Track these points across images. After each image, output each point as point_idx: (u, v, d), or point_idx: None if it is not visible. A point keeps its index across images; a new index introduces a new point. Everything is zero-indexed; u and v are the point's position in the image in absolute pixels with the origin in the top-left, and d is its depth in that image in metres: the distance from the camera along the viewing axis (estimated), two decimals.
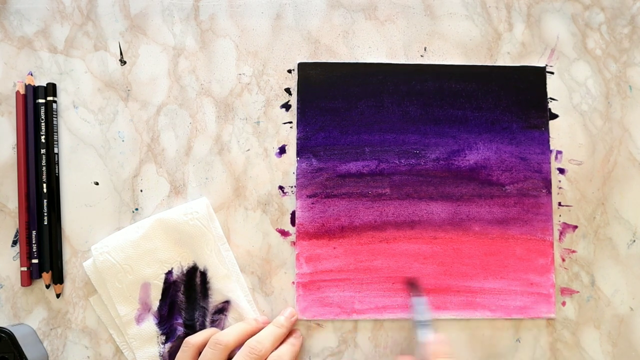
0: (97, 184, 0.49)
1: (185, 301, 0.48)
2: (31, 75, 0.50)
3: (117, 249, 0.47)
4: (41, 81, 0.50)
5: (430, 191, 0.50)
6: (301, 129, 0.50)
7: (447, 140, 0.50)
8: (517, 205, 0.50)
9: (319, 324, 0.49)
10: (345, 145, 0.50)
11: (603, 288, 0.50)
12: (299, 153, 0.50)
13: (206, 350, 0.43)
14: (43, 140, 0.49)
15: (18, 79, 0.50)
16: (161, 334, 0.47)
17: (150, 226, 0.47)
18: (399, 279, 0.49)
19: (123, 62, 0.50)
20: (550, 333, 0.49)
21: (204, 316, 0.48)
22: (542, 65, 0.51)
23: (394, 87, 0.50)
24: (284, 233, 0.49)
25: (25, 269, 0.48)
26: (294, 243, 0.49)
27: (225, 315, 0.48)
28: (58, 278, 0.48)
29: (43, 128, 0.49)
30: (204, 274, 0.48)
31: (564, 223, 0.50)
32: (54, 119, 0.49)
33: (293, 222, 0.49)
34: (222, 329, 0.47)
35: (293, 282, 0.49)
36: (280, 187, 0.50)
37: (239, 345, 0.44)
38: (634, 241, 0.50)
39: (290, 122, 0.50)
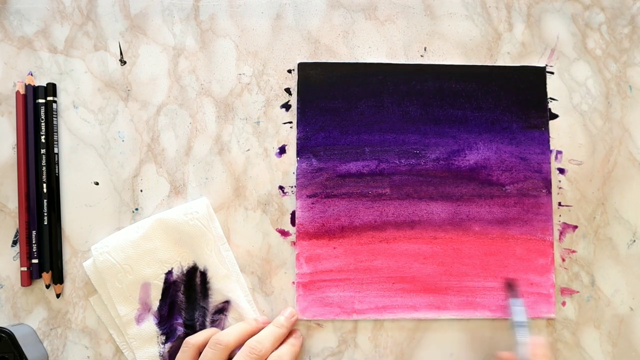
0: (97, 184, 0.49)
1: (185, 301, 0.48)
2: (31, 75, 0.50)
3: (117, 249, 0.47)
4: (41, 81, 0.50)
5: (430, 191, 0.50)
6: (301, 129, 0.50)
7: (447, 140, 0.50)
8: (517, 205, 0.50)
9: (319, 324, 0.49)
10: (345, 145, 0.50)
11: (603, 288, 0.50)
12: (299, 153, 0.50)
13: (206, 350, 0.43)
14: (43, 140, 0.49)
15: (18, 79, 0.50)
16: (161, 334, 0.47)
17: (150, 226, 0.47)
18: (399, 279, 0.49)
19: (123, 62, 0.50)
20: (550, 333, 0.49)
21: (204, 316, 0.48)
22: (542, 65, 0.51)
23: (394, 87, 0.50)
24: (284, 233, 0.49)
25: (25, 269, 0.48)
26: (294, 243, 0.49)
27: (225, 315, 0.48)
28: (58, 278, 0.48)
29: (43, 128, 0.49)
30: (204, 274, 0.48)
31: (564, 223, 0.50)
32: (54, 119, 0.49)
33: (293, 222, 0.49)
34: (222, 329, 0.47)
35: (293, 282, 0.49)
36: (280, 187, 0.50)
37: (239, 345, 0.44)
38: (634, 241, 0.50)
39: (290, 122, 0.50)
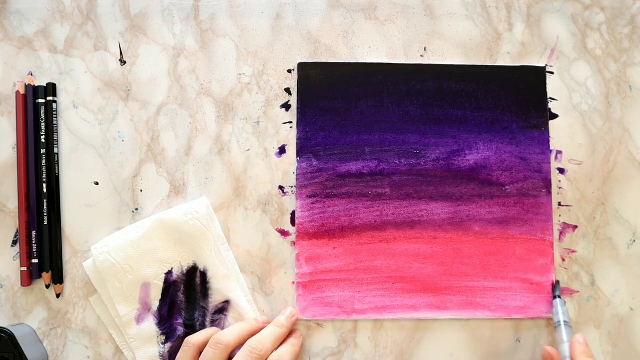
0: (97, 184, 0.49)
1: (185, 301, 0.48)
2: (31, 75, 0.50)
3: (117, 249, 0.47)
4: (41, 81, 0.50)
5: (430, 191, 0.50)
6: (301, 129, 0.50)
7: (447, 140, 0.50)
8: (517, 205, 0.50)
9: (319, 324, 0.49)
10: (345, 145, 0.50)
11: (603, 288, 0.50)
12: (299, 153, 0.50)
13: (207, 350, 0.43)
14: (43, 140, 0.49)
15: (18, 79, 0.50)
16: (161, 334, 0.47)
17: (150, 226, 0.47)
18: (399, 279, 0.49)
19: (123, 62, 0.50)
20: (551, 333, 0.49)
21: (204, 316, 0.48)
22: (542, 65, 0.51)
23: (394, 87, 0.50)
24: (284, 233, 0.49)
25: (25, 269, 0.48)
26: (294, 243, 0.49)
27: (225, 315, 0.48)
28: (58, 278, 0.48)
29: (43, 128, 0.49)
30: (204, 274, 0.48)
31: (564, 223, 0.50)
32: (54, 119, 0.49)
33: (293, 222, 0.49)
34: (223, 329, 0.47)
35: (293, 282, 0.49)
36: (280, 187, 0.50)
37: (239, 345, 0.44)
38: (634, 241, 0.50)
39: (290, 122, 0.50)
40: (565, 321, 0.45)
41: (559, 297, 0.48)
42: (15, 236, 0.49)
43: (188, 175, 0.50)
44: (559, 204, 0.50)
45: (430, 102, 0.50)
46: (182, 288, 0.48)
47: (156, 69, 0.50)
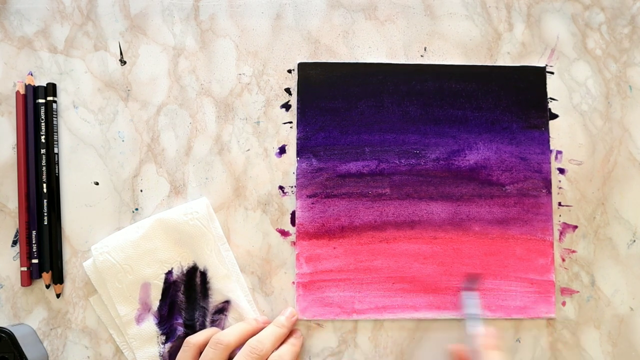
0: (97, 184, 0.49)
1: (185, 301, 0.48)
2: (31, 75, 0.50)
3: (117, 249, 0.47)
4: (41, 81, 0.50)
5: (430, 191, 0.50)
6: (301, 129, 0.50)
7: (447, 140, 0.50)
8: (517, 205, 0.50)
9: (319, 324, 0.49)
10: (345, 145, 0.50)
11: (603, 288, 0.50)
12: (299, 153, 0.50)
13: (207, 350, 0.43)
14: (43, 140, 0.49)
15: (18, 79, 0.50)
16: (161, 334, 0.47)
17: (150, 226, 0.47)
18: (399, 279, 0.49)
19: (123, 62, 0.50)
20: (551, 333, 0.49)
21: (204, 316, 0.48)
22: (542, 65, 0.51)
23: (394, 87, 0.50)
24: (284, 233, 0.49)
25: (25, 269, 0.48)
26: (294, 243, 0.49)
27: (226, 315, 0.48)
28: (58, 278, 0.48)
29: (43, 128, 0.49)
30: (204, 274, 0.48)
31: (564, 223, 0.50)
32: (54, 119, 0.49)
33: (293, 222, 0.49)
34: (223, 329, 0.47)
35: (293, 282, 0.49)
36: (280, 187, 0.50)
37: (239, 345, 0.44)
38: (634, 241, 0.50)
39: (290, 122, 0.50)
40: (473, 314, 0.45)
41: (470, 289, 0.47)
42: (15, 236, 0.49)
43: (188, 175, 0.50)
44: (559, 204, 0.50)
45: (430, 102, 0.50)
46: (182, 288, 0.48)
47: (156, 69, 0.50)
